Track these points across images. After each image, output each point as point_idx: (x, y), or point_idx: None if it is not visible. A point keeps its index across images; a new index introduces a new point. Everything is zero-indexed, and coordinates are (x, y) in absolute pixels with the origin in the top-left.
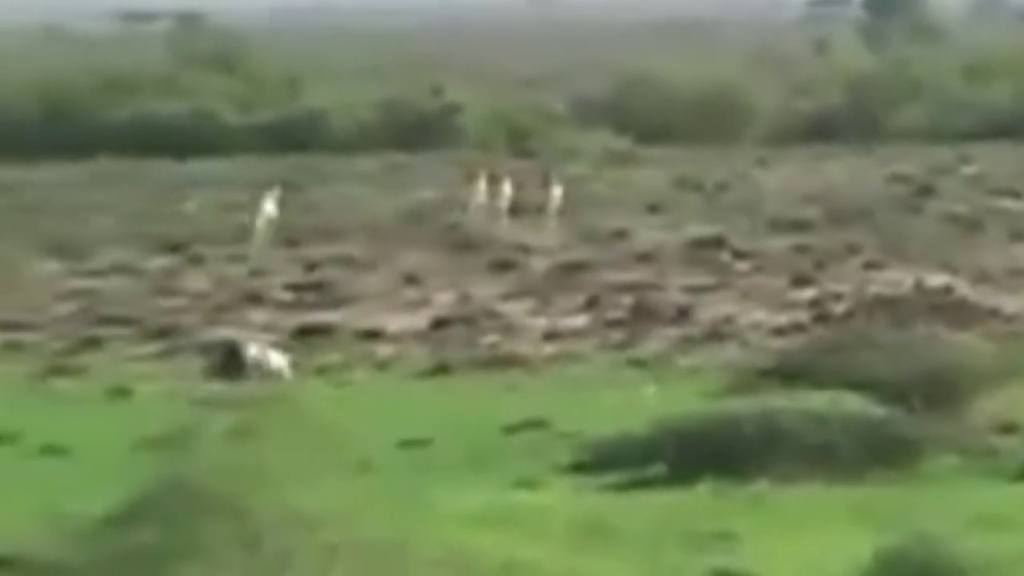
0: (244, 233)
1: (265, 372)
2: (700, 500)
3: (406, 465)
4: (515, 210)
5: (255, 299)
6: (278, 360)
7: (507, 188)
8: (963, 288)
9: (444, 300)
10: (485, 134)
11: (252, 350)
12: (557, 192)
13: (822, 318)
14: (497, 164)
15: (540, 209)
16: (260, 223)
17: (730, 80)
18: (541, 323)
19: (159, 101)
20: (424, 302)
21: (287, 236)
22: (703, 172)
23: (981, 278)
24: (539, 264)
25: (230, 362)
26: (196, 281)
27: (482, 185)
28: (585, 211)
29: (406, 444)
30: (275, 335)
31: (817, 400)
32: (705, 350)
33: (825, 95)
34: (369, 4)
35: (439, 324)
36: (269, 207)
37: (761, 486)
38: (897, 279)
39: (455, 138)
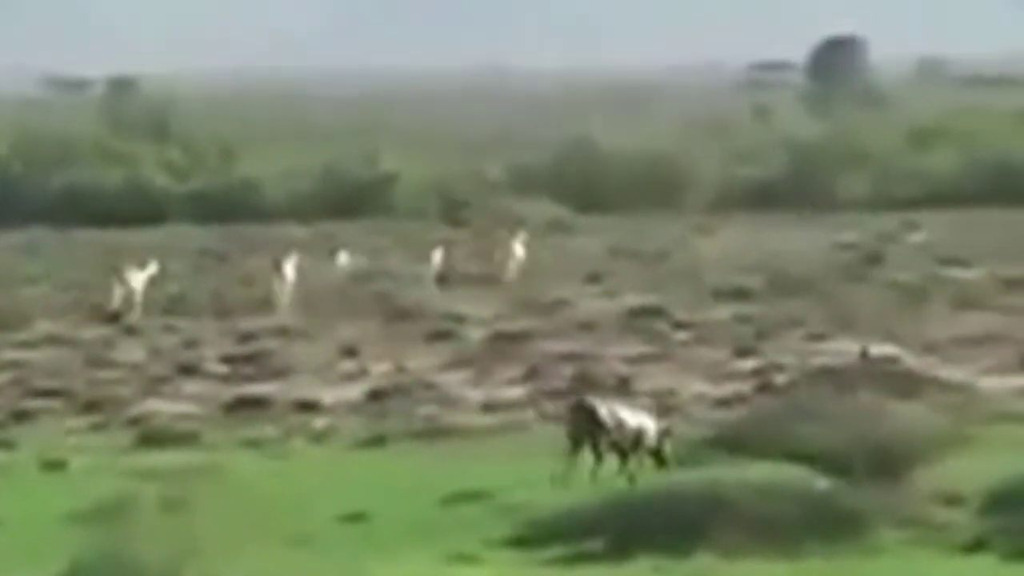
0: (176, 304)
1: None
2: None
3: (343, 538)
4: (449, 279)
5: (190, 371)
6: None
7: (436, 257)
8: (908, 358)
9: (380, 371)
10: (420, 203)
11: (603, 410)
12: (520, 251)
13: (765, 389)
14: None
15: (490, 274)
16: (279, 288)
17: (669, 147)
18: (479, 394)
19: (91, 169)
20: (360, 373)
21: (220, 307)
22: (642, 240)
23: (927, 348)
24: (476, 334)
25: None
26: (130, 352)
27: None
28: (523, 280)
29: (343, 517)
30: (209, 407)
31: (760, 472)
32: None
33: (767, 162)
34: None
35: (376, 395)
36: (288, 271)
37: (704, 561)
38: (841, 349)
39: (390, 207)
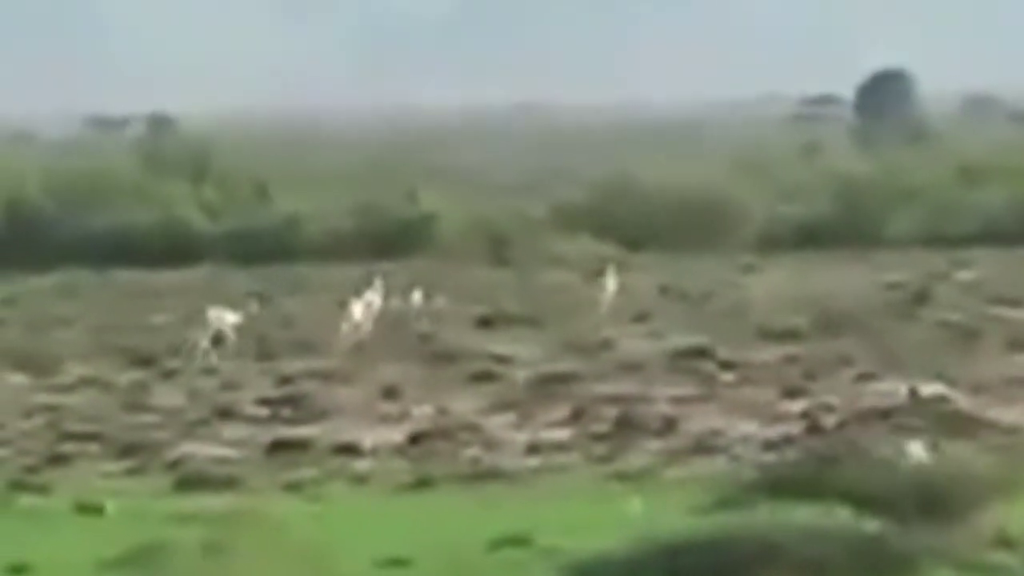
0: (214, 345)
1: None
2: None
3: None
4: (492, 321)
5: (227, 414)
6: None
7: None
8: (959, 399)
9: (422, 413)
10: (461, 242)
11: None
12: (612, 285)
13: (813, 430)
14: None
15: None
16: (347, 327)
17: (715, 185)
18: (523, 436)
19: (128, 209)
20: (402, 416)
21: (260, 349)
22: (689, 280)
23: (977, 388)
24: (520, 375)
25: None
26: (166, 396)
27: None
28: (567, 321)
29: (384, 562)
30: (248, 450)
31: (809, 514)
32: (692, 463)
33: (814, 199)
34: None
35: (417, 438)
36: (356, 311)
37: None
38: (891, 389)
39: (431, 246)
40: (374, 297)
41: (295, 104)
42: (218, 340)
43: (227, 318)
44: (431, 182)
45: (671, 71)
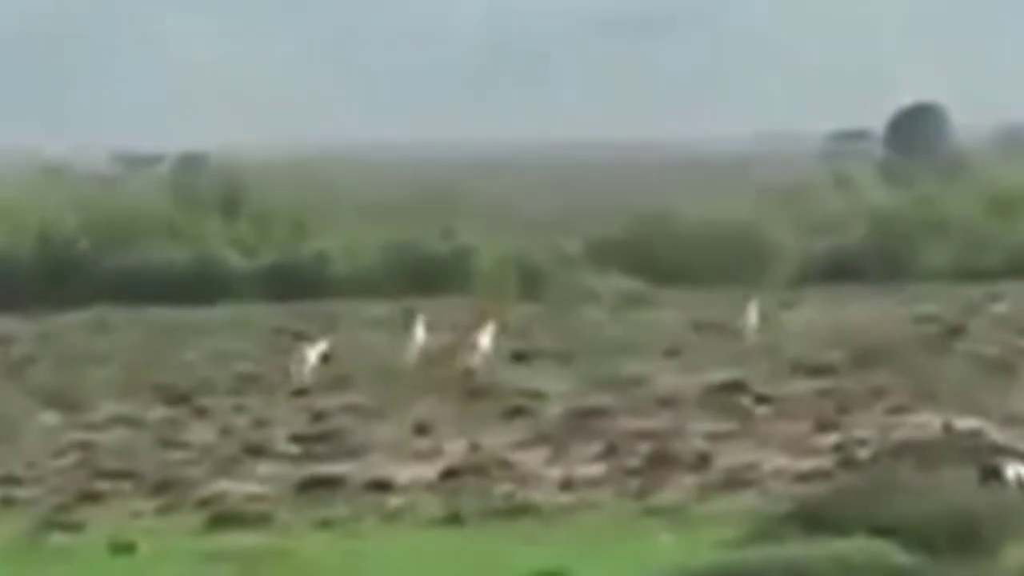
0: (247, 383)
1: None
2: None
3: None
4: (525, 356)
5: (260, 451)
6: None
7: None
8: (993, 431)
9: (455, 449)
10: (497, 277)
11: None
12: (753, 315)
13: (846, 464)
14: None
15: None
16: (411, 349)
17: (748, 218)
18: (556, 472)
19: (160, 246)
20: (435, 452)
21: (294, 386)
22: (722, 314)
23: (1011, 421)
24: (553, 411)
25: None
26: (199, 433)
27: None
28: (601, 356)
29: None
30: (280, 488)
31: (841, 547)
32: (725, 498)
33: (847, 232)
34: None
35: (450, 474)
36: (419, 332)
37: None
38: (924, 423)
39: (467, 282)
40: (419, 333)
41: (329, 139)
42: (325, 359)
43: (318, 348)
44: (466, 216)
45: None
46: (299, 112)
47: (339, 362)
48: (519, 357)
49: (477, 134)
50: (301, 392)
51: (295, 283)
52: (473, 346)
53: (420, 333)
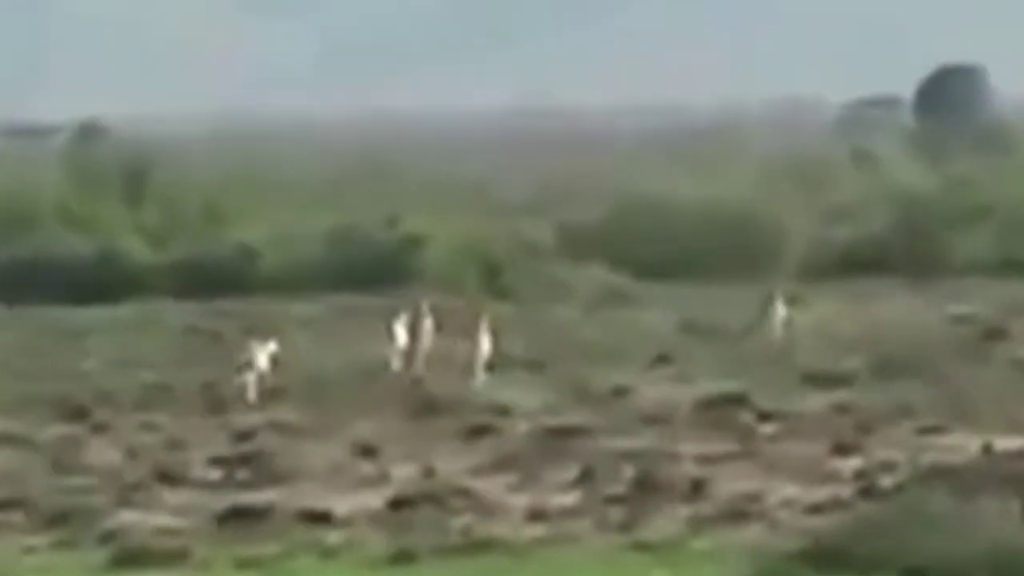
0: (156, 396)
1: None
2: None
3: None
4: (488, 364)
5: (173, 477)
6: None
7: (485, 339)
8: None
9: (405, 475)
10: (453, 271)
11: None
12: (780, 312)
13: (868, 492)
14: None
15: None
16: (392, 354)
17: (751, 200)
18: (524, 501)
19: (52, 233)
20: (381, 477)
21: (211, 400)
22: (719, 314)
23: None
24: (521, 429)
25: None
26: (100, 455)
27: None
28: (577, 363)
29: None
30: (197, 519)
31: None
32: (724, 531)
33: (870, 218)
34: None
35: (399, 504)
36: (400, 334)
37: None
38: (959, 444)
39: (416, 277)
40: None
41: (256, 109)
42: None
43: (267, 348)
44: (415, 202)
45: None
46: (219, 77)
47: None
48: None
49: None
50: (220, 407)
51: (213, 278)
52: (419, 352)
53: (402, 334)
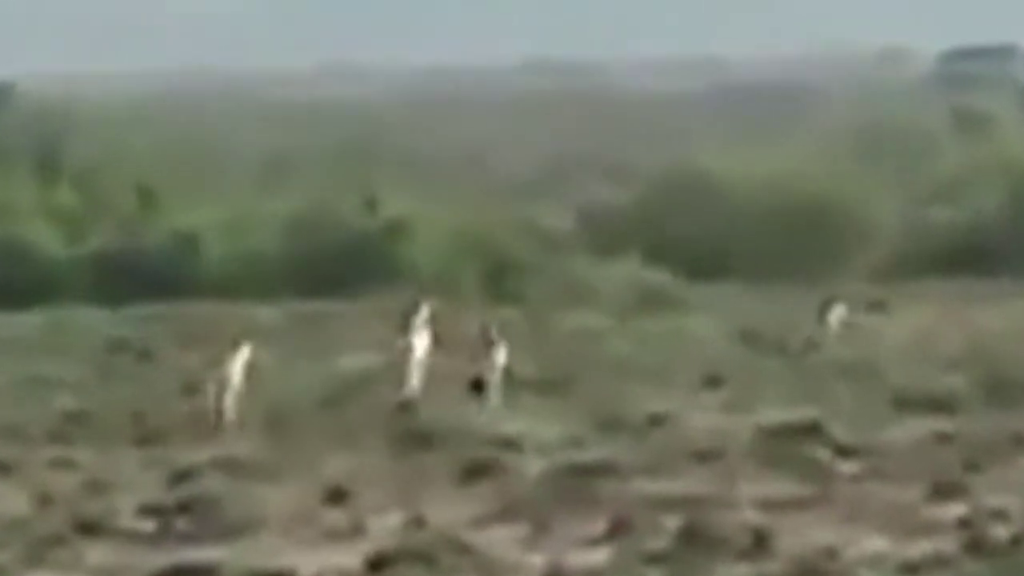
0: (74, 426)
1: None
2: None
3: None
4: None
5: (95, 528)
6: None
7: (500, 354)
8: None
9: (387, 525)
10: (446, 267)
11: None
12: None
13: (977, 547)
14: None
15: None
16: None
17: (821, 178)
18: (538, 559)
19: None
20: (356, 529)
21: (142, 431)
22: (784, 323)
23: None
24: (534, 468)
25: None
26: (7, 501)
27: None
28: (604, 384)
29: None
30: None
31: None
32: None
33: (974, 200)
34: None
35: (380, 563)
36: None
37: None
38: None
39: (400, 275)
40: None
41: (199, 69)
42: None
43: (241, 356)
44: (399, 180)
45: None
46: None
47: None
48: (481, 387)
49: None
50: (154, 439)
51: (145, 277)
52: (412, 370)
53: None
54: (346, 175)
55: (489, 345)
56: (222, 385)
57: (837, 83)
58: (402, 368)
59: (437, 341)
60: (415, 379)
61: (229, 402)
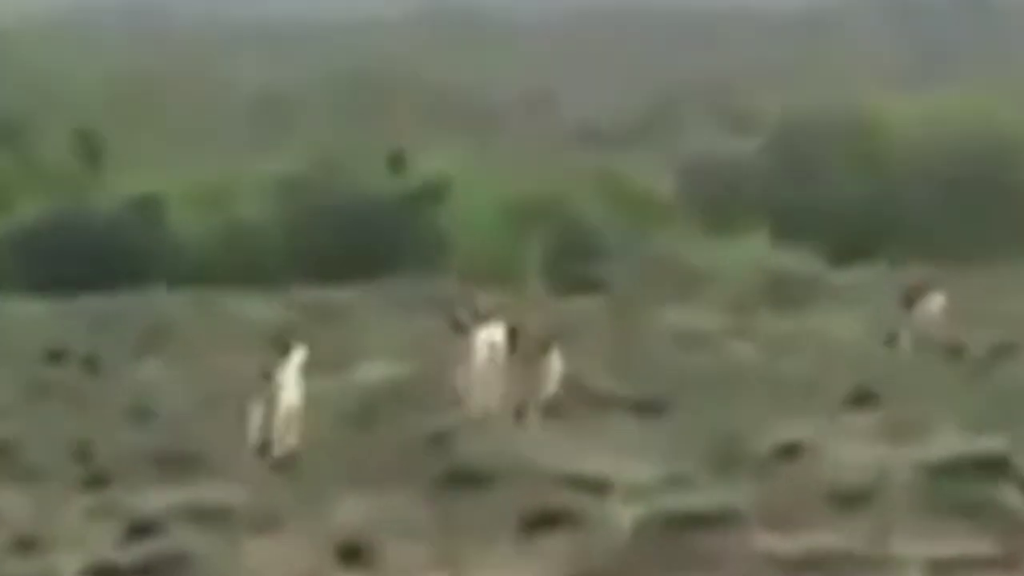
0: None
1: None
2: None
3: None
4: (561, 406)
5: None
6: None
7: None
8: None
9: None
10: (497, 244)
11: None
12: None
13: None
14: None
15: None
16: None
17: (1012, 125)
18: None
19: None
20: None
21: (90, 466)
22: (961, 320)
23: None
24: (623, 517)
25: None
26: None
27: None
28: (717, 404)
29: None
30: None
31: None
32: None
33: None
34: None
35: None
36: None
37: None
38: None
39: (435, 253)
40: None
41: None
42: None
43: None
44: (431, 129)
45: None
46: None
47: (184, 420)
48: (550, 409)
49: None
50: (104, 480)
51: (89, 261)
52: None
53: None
54: (360, 121)
55: (545, 349)
56: (272, 404)
57: None
58: (452, 379)
59: (513, 344)
60: (479, 394)
61: (282, 426)
